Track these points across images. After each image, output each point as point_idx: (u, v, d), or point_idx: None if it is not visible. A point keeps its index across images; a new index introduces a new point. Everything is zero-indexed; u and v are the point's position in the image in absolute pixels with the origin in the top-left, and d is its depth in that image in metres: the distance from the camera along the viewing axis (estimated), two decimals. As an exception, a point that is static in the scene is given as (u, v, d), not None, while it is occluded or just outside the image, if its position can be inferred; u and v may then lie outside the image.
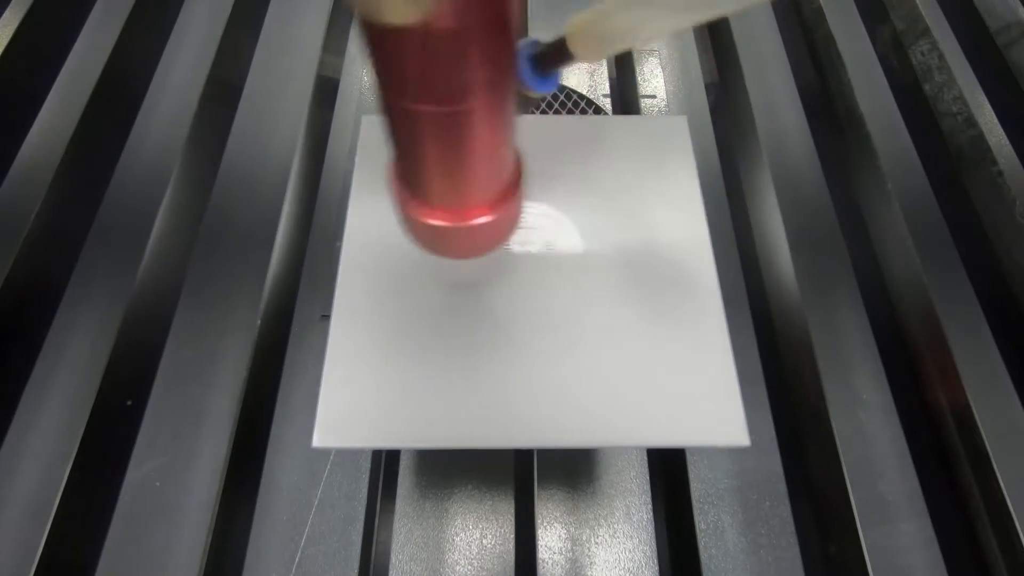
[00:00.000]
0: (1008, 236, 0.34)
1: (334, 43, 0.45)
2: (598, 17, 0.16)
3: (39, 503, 0.29)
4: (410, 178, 0.18)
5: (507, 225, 0.20)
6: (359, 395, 0.22)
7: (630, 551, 0.32)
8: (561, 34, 0.17)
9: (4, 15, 0.40)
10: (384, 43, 0.13)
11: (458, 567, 0.31)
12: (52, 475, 0.29)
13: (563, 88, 0.45)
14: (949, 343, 0.31)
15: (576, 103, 0.45)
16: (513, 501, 0.32)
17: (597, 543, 0.32)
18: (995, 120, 0.39)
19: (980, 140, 0.36)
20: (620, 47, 0.16)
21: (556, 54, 0.17)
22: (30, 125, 0.38)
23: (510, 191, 0.19)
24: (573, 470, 0.34)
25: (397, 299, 0.24)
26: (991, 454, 0.28)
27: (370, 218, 0.26)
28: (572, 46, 0.17)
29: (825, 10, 0.44)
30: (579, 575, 0.31)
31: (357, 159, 0.27)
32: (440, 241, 0.20)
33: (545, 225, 0.26)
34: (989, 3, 0.44)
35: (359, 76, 0.46)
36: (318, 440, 0.21)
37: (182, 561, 0.29)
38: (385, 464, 0.32)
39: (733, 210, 0.39)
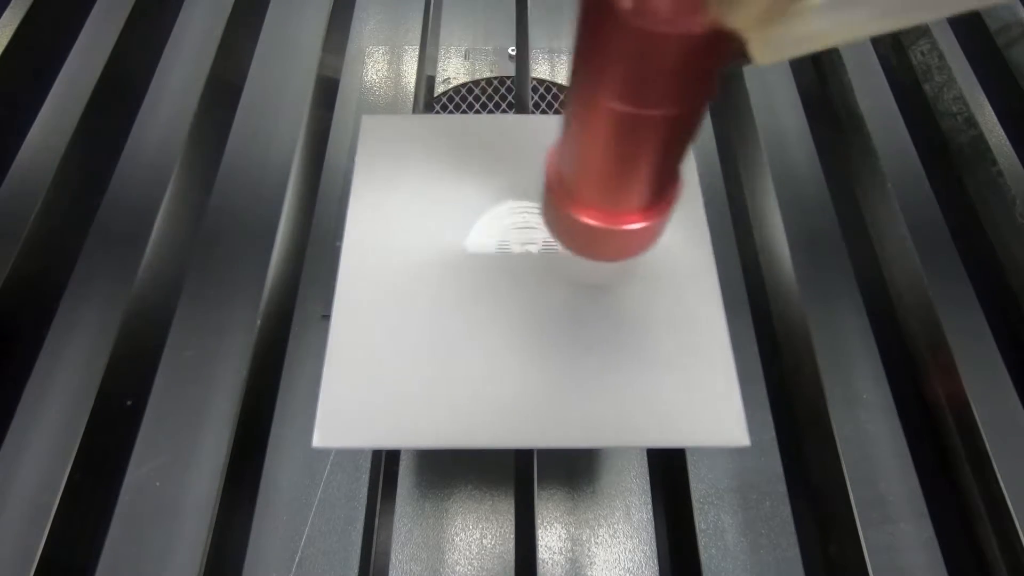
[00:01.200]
0: (1008, 236, 0.34)
1: (334, 43, 0.45)
2: (789, 18, 0.14)
3: (39, 503, 0.29)
4: (585, 180, 0.18)
5: (662, 228, 0.20)
6: (359, 395, 0.22)
7: (630, 551, 0.32)
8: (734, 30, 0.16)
9: (4, 15, 0.40)
10: (636, 46, 0.12)
11: (458, 567, 0.31)
12: (52, 475, 0.29)
13: (563, 88, 0.45)
14: (949, 343, 0.31)
15: (576, 103, 0.44)
16: (513, 501, 0.32)
17: (597, 543, 0.32)
18: (995, 120, 0.39)
19: (980, 140, 0.36)
20: (808, 50, 0.15)
21: (732, 56, 0.17)
22: (30, 125, 0.38)
23: (674, 195, 0.19)
24: (573, 470, 0.34)
25: (397, 299, 0.24)
26: (991, 454, 0.28)
27: (370, 218, 0.26)
28: (754, 48, 0.16)
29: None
30: (579, 575, 0.31)
31: (357, 159, 0.27)
32: (596, 243, 0.20)
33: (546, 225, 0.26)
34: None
35: (359, 76, 0.46)
36: (318, 440, 0.21)
37: (182, 561, 0.29)
38: (385, 464, 0.32)
39: (733, 210, 0.39)
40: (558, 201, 0.19)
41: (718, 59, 0.13)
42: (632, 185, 0.17)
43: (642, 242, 0.20)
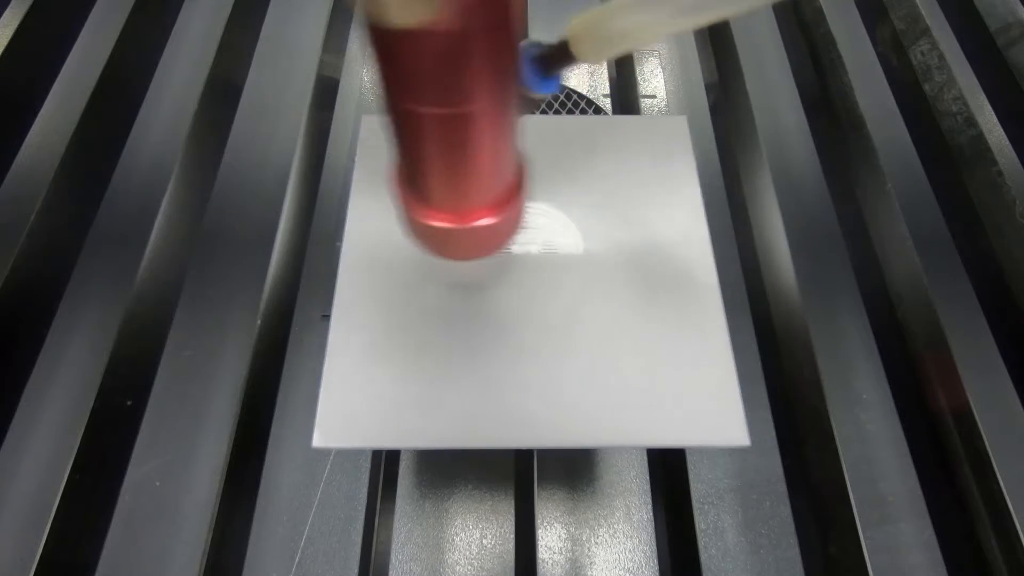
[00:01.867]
0: (1008, 236, 0.34)
1: (334, 43, 0.45)
2: (600, 19, 0.15)
3: (39, 503, 0.29)
4: (412, 179, 0.18)
5: (509, 227, 0.20)
6: (359, 395, 0.22)
7: (630, 551, 0.32)
8: (563, 35, 0.17)
9: (4, 15, 0.40)
10: (387, 44, 0.13)
11: (458, 567, 0.31)
12: (52, 475, 0.29)
13: (563, 88, 0.45)
14: (949, 343, 0.31)
15: (576, 103, 0.45)
16: (513, 501, 0.32)
17: (597, 543, 0.32)
18: (995, 120, 0.39)
19: (980, 140, 0.36)
20: (623, 49, 0.16)
21: (558, 56, 0.17)
22: (30, 125, 0.38)
23: (513, 193, 0.19)
24: (573, 470, 0.34)
25: (397, 299, 0.24)
26: (991, 454, 0.28)
27: (370, 218, 0.26)
28: (574, 48, 0.16)
29: (825, 10, 0.44)
30: (579, 575, 0.31)
31: (357, 159, 0.27)
32: (442, 243, 0.20)
33: (545, 225, 0.26)
34: (989, 3, 0.44)
35: (359, 76, 0.46)
36: (318, 440, 0.21)
37: (182, 561, 0.29)
38: (385, 464, 0.32)
39: (733, 210, 0.39)
40: (404, 207, 0.19)
41: (475, 55, 0.13)
42: (460, 183, 0.17)
43: (495, 239, 0.20)
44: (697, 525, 0.30)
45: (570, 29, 0.16)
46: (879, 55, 0.44)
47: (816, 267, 0.36)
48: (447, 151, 0.16)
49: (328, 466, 0.32)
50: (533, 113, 0.39)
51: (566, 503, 0.33)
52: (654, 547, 0.32)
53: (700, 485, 0.32)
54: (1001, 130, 0.38)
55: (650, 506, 0.32)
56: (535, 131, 0.28)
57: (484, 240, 0.20)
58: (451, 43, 0.12)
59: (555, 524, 0.32)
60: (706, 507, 0.32)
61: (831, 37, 0.43)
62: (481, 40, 0.13)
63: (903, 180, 0.37)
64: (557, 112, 0.44)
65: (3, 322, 0.32)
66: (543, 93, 0.19)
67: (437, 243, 0.20)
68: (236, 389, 0.31)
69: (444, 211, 0.18)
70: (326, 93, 0.43)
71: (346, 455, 0.33)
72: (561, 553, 0.32)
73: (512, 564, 0.30)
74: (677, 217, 0.26)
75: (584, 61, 0.17)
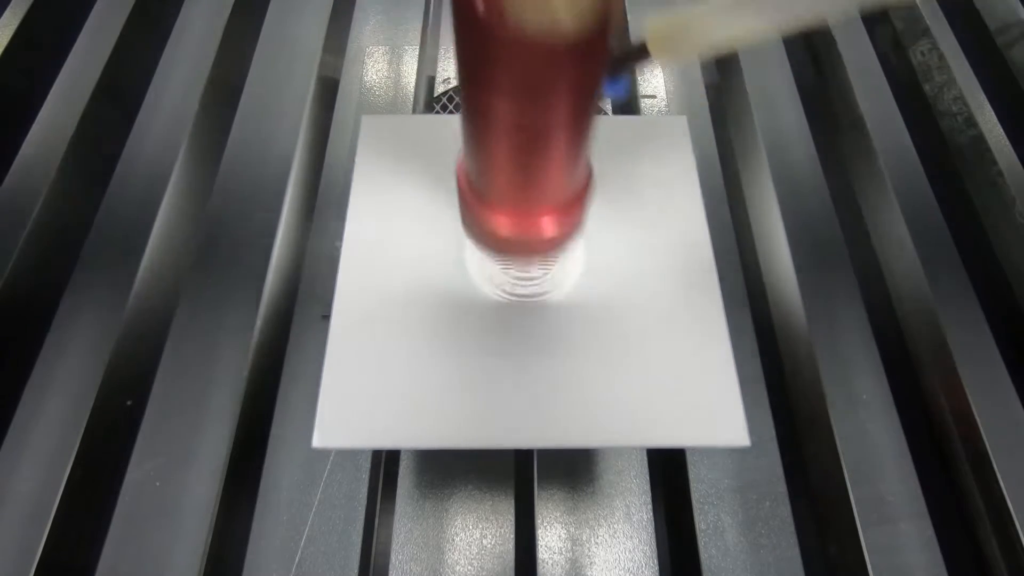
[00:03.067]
0: (1008, 236, 0.34)
1: (334, 43, 0.45)
2: (688, 21, 0.15)
3: (39, 503, 0.29)
4: (486, 181, 0.18)
5: (576, 227, 0.20)
6: (359, 395, 0.22)
7: (630, 551, 0.32)
8: (641, 36, 0.16)
9: (4, 15, 0.40)
10: (502, 50, 0.12)
11: (458, 567, 0.31)
12: (52, 475, 0.29)
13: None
14: (949, 343, 0.31)
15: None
16: (513, 501, 0.32)
17: (597, 543, 0.32)
18: (995, 120, 0.39)
19: (980, 140, 0.36)
20: (707, 52, 0.15)
21: (633, 56, 0.17)
22: (30, 125, 0.38)
23: (583, 193, 0.19)
24: (573, 470, 0.34)
25: (397, 299, 0.24)
26: (991, 454, 0.28)
27: (370, 218, 0.26)
28: (653, 49, 0.16)
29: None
30: (579, 575, 0.31)
31: (357, 159, 0.27)
32: (508, 244, 0.20)
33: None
34: (989, 3, 0.44)
35: (359, 76, 0.46)
36: (318, 440, 0.21)
37: (182, 561, 0.29)
38: (385, 464, 0.32)
39: (733, 210, 0.39)
40: (470, 204, 0.19)
41: (590, 67, 0.13)
42: (532, 187, 0.17)
43: (555, 241, 0.20)
44: (697, 525, 0.30)
45: (650, 30, 0.16)
46: (879, 55, 0.44)
47: (816, 267, 0.36)
48: (535, 155, 0.15)
49: (328, 466, 0.32)
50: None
51: (566, 503, 0.33)
52: (654, 547, 0.32)
53: (700, 485, 0.32)
54: (1001, 130, 0.38)
55: (650, 506, 0.32)
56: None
57: (550, 240, 0.20)
58: (579, 51, 0.12)
59: (555, 524, 0.32)
60: (706, 507, 0.32)
61: (831, 37, 0.43)
62: (600, 46, 0.12)
63: (903, 180, 0.37)
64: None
65: (3, 322, 0.32)
66: (614, 95, 0.18)
67: (503, 244, 0.20)
68: (236, 389, 0.31)
69: (515, 213, 0.18)
70: (326, 93, 0.43)
71: (346, 455, 0.33)
72: (561, 553, 0.32)
73: (512, 564, 0.31)
74: (677, 217, 0.26)
75: (662, 63, 0.16)
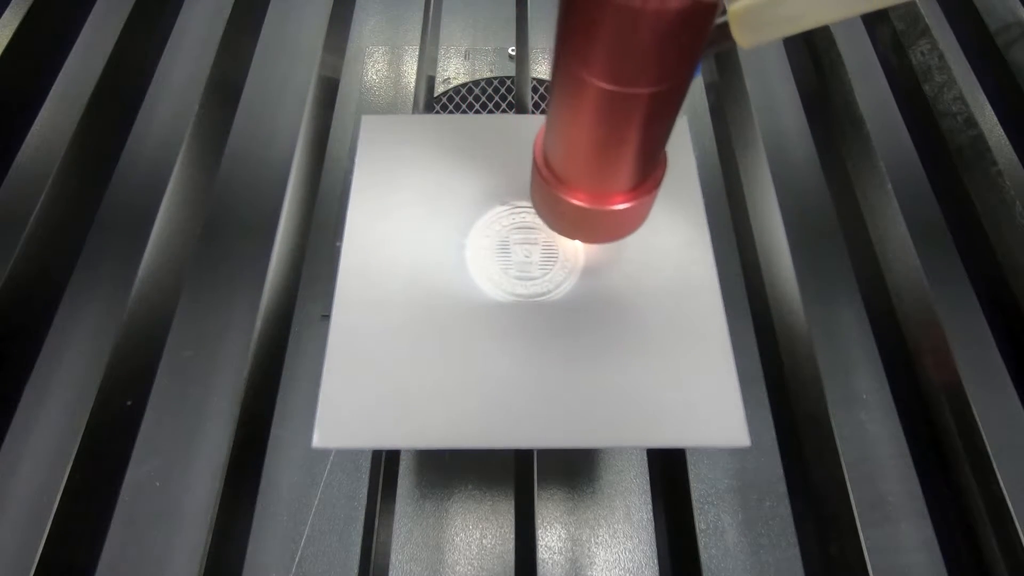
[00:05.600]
0: (1008, 236, 0.34)
1: (334, 43, 0.45)
2: (771, 2, 0.15)
3: (39, 503, 0.29)
4: (571, 162, 0.18)
5: (647, 210, 0.20)
6: (359, 395, 0.22)
7: (630, 551, 0.32)
8: (722, 17, 0.16)
9: (4, 15, 0.40)
10: (613, 23, 0.12)
11: (458, 567, 0.31)
12: (52, 475, 0.29)
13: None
14: (949, 343, 0.31)
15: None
16: (513, 501, 0.32)
17: (597, 543, 0.32)
18: (995, 120, 0.39)
19: (980, 140, 0.36)
20: (787, 33, 0.16)
21: (713, 39, 0.17)
22: (30, 125, 0.38)
23: (658, 176, 0.19)
24: (573, 470, 0.34)
25: (397, 299, 0.24)
26: (991, 454, 0.28)
27: (370, 218, 0.26)
28: (735, 30, 0.16)
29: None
30: (579, 575, 0.31)
31: (357, 159, 0.27)
32: (584, 224, 0.20)
33: (544, 225, 0.26)
34: (989, 3, 0.44)
35: (359, 76, 0.46)
36: (318, 440, 0.21)
37: (182, 561, 0.29)
38: (385, 464, 0.32)
39: (733, 210, 0.39)
40: (546, 184, 0.19)
41: (698, 36, 0.13)
42: (618, 165, 0.17)
43: (631, 223, 0.20)
44: (697, 525, 0.30)
45: (732, 11, 0.16)
46: (879, 55, 0.44)
47: (816, 267, 0.36)
48: (632, 131, 0.15)
49: (328, 466, 0.32)
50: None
51: (566, 503, 0.33)
52: (654, 547, 0.32)
53: (700, 485, 0.32)
54: (1001, 130, 0.38)
55: (650, 506, 0.33)
56: (535, 130, 0.28)
57: (627, 222, 0.20)
58: (682, 22, 0.12)
59: (555, 524, 0.32)
60: (706, 507, 0.32)
61: (831, 37, 0.43)
62: (710, 17, 0.13)
63: (903, 180, 0.37)
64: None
65: (3, 322, 0.32)
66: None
67: (580, 224, 0.20)
68: (236, 389, 0.31)
69: (600, 192, 0.18)
70: (326, 93, 0.43)
71: (346, 455, 0.33)
72: (561, 553, 0.32)
73: (512, 564, 0.31)
74: (677, 217, 0.26)
75: (744, 44, 0.16)
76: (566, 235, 0.21)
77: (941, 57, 0.40)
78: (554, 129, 0.17)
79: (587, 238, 0.21)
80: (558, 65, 0.15)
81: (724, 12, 0.16)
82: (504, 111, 0.55)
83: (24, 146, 0.38)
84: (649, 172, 0.19)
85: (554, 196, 0.19)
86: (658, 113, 0.15)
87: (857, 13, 0.15)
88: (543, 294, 0.24)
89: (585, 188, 0.19)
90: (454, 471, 0.33)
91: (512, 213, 0.26)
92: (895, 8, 0.44)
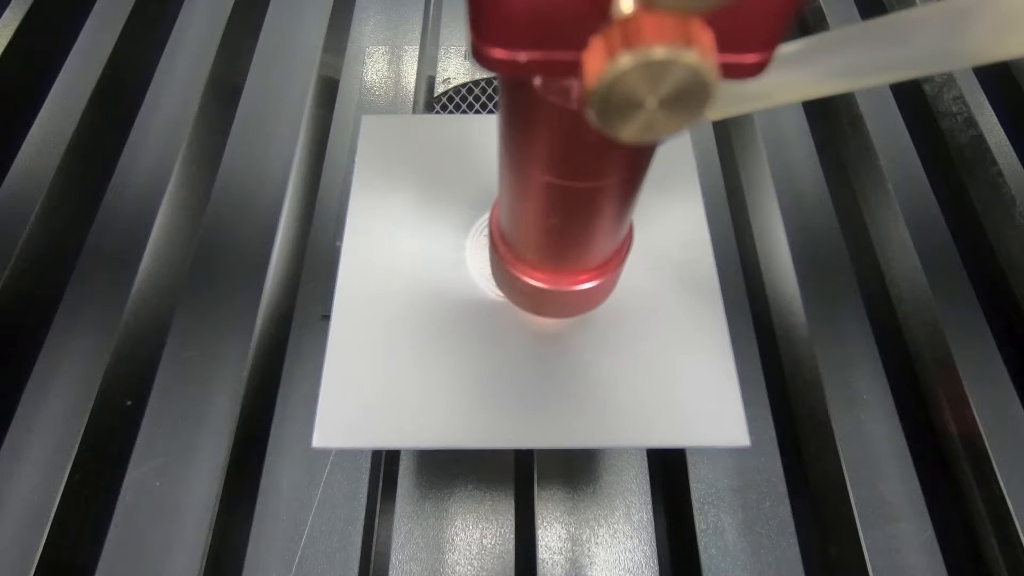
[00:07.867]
0: (1008, 236, 0.34)
1: (334, 43, 0.45)
2: (741, 87, 0.14)
3: (39, 503, 0.29)
4: (525, 243, 0.17)
5: (609, 289, 0.20)
6: (359, 395, 0.22)
7: (630, 551, 0.32)
8: None
9: (4, 15, 0.40)
10: (561, 129, 0.12)
11: (458, 567, 0.31)
12: (52, 475, 0.29)
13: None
14: (949, 343, 0.31)
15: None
16: (513, 501, 0.32)
17: (597, 543, 0.32)
18: (995, 120, 0.39)
19: (980, 140, 0.36)
20: (755, 108, 0.15)
21: None
22: (30, 125, 0.38)
23: (621, 253, 0.19)
24: (573, 470, 0.34)
25: (397, 299, 0.24)
26: (991, 454, 0.28)
27: (370, 218, 0.26)
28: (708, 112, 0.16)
29: (825, 10, 0.44)
30: (579, 575, 0.31)
31: (357, 159, 0.27)
32: (543, 302, 0.20)
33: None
34: (989, 3, 0.44)
35: (359, 76, 0.46)
36: (318, 440, 0.21)
37: (182, 561, 0.29)
38: (385, 464, 0.32)
39: (733, 210, 0.39)
40: (503, 261, 0.19)
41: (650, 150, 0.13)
42: (571, 250, 0.17)
43: (596, 299, 0.20)
44: (697, 525, 0.30)
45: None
46: (879, 55, 0.44)
47: (816, 267, 0.36)
48: (579, 220, 0.15)
49: (328, 466, 0.32)
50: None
51: (566, 503, 0.33)
52: (654, 547, 0.32)
53: (700, 485, 0.32)
54: (1001, 130, 0.38)
55: (650, 506, 0.33)
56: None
57: (586, 301, 0.19)
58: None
59: (555, 524, 0.32)
60: (706, 507, 0.32)
61: (831, 37, 0.43)
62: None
63: (903, 180, 0.37)
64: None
65: (3, 322, 0.32)
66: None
67: (538, 302, 0.20)
68: (236, 389, 0.31)
69: (554, 273, 0.18)
70: (326, 93, 0.43)
71: (346, 455, 0.33)
72: (561, 553, 0.32)
73: (512, 564, 0.31)
74: (677, 218, 0.26)
75: (710, 119, 0.16)
76: (527, 310, 0.21)
77: (941, 57, 0.40)
78: (506, 212, 0.17)
79: (547, 314, 0.21)
80: (500, 150, 0.14)
81: None
82: (504, 111, 0.54)
83: (24, 146, 0.37)
84: (612, 250, 0.18)
85: (511, 275, 0.19)
86: (617, 200, 0.14)
87: (838, 92, 0.14)
88: None
89: (544, 268, 0.18)
90: (454, 471, 0.33)
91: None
92: (895, 8, 0.44)
